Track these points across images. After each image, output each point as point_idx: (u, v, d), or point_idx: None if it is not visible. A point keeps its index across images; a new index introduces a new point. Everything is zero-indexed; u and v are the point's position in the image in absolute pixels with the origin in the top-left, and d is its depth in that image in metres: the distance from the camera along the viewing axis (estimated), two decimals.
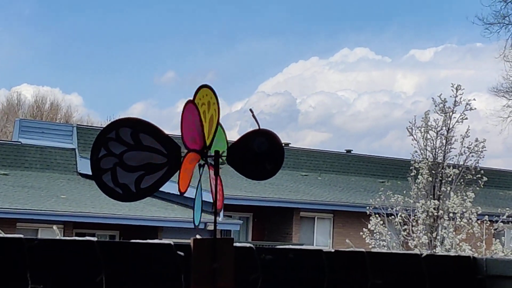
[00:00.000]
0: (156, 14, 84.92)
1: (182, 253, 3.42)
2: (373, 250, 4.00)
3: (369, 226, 22.65)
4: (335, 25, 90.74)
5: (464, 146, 22.79)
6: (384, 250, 19.92)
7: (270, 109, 79.26)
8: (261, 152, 3.39)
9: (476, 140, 22.97)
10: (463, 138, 22.78)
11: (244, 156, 3.39)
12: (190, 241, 3.33)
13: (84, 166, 31.56)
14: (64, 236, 24.31)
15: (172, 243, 3.48)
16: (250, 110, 3.47)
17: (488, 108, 64.33)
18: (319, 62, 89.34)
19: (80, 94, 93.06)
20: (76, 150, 32.16)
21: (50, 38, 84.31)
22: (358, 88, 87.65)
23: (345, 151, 40.02)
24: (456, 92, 22.46)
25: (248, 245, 3.64)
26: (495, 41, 52.54)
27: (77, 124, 36.78)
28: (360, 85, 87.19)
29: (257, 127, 3.43)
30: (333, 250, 3.75)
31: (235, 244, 3.43)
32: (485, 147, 22.89)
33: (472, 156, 22.77)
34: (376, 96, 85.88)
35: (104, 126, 3.30)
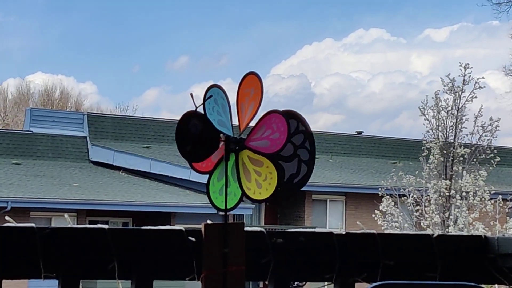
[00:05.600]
0: (168, 0, 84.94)
1: (193, 239, 3.44)
2: (385, 231, 4.01)
3: (381, 207, 22.62)
4: (350, 6, 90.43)
5: (478, 125, 22.68)
6: (396, 231, 19.94)
7: (285, 92, 79.10)
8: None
9: (490, 119, 22.84)
10: (476, 117, 22.66)
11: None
12: (201, 226, 3.35)
13: (96, 153, 31.66)
14: (77, 224, 24.38)
15: (184, 228, 3.50)
16: (191, 94, 3.52)
17: (504, 86, 64.30)
18: (334, 44, 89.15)
19: (94, 82, 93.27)
20: (87, 138, 32.24)
21: (63, 27, 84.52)
22: (373, 70, 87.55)
23: (356, 133, 39.98)
24: (465, 70, 22.34)
25: (259, 229, 3.65)
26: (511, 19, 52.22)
27: (88, 112, 36.83)
28: (374, 67, 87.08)
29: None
30: (344, 232, 3.76)
31: (246, 228, 3.44)
32: (498, 126, 22.77)
33: (486, 135, 22.67)
34: (391, 77, 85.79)
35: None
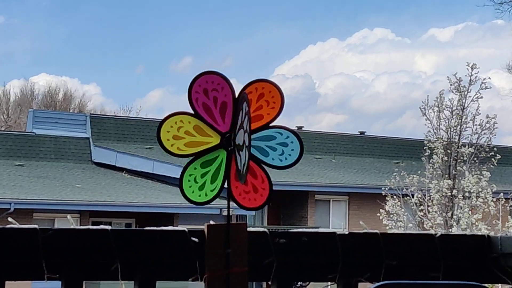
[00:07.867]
0: (173, 1, 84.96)
1: (196, 239, 3.43)
2: (389, 231, 4.00)
3: (386, 207, 22.57)
4: (354, 6, 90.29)
5: (476, 124, 22.63)
6: (400, 230, 19.89)
7: (289, 92, 78.99)
8: None
9: (487, 116, 22.79)
10: (474, 116, 22.61)
11: None
12: (204, 227, 3.34)
13: (99, 155, 31.64)
14: (80, 225, 24.33)
15: (186, 229, 3.49)
16: None
17: (508, 85, 64.43)
18: (338, 44, 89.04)
19: (98, 84, 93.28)
20: (90, 139, 32.23)
21: (68, 28, 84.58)
22: (377, 70, 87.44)
23: (359, 133, 39.96)
24: (471, 70, 22.27)
25: (261, 229, 3.65)
26: None
27: (90, 113, 36.81)
28: (379, 66, 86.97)
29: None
30: (347, 232, 3.75)
31: (248, 229, 3.43)
32: (496, 123, 22.69)
33: (485, 133, 22.61)
34: (396, 77, 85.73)
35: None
